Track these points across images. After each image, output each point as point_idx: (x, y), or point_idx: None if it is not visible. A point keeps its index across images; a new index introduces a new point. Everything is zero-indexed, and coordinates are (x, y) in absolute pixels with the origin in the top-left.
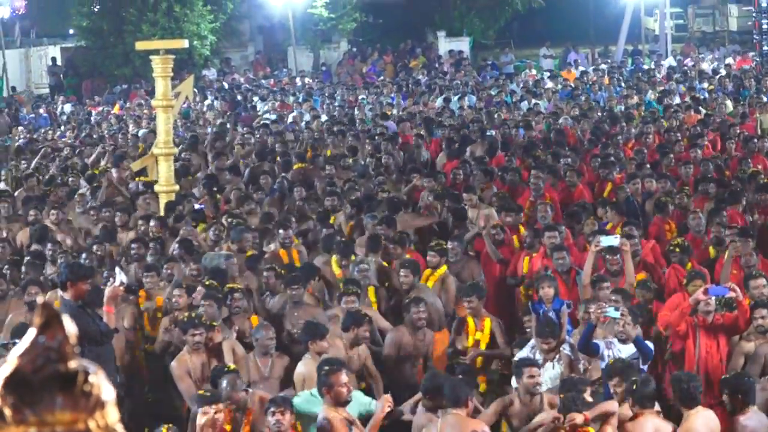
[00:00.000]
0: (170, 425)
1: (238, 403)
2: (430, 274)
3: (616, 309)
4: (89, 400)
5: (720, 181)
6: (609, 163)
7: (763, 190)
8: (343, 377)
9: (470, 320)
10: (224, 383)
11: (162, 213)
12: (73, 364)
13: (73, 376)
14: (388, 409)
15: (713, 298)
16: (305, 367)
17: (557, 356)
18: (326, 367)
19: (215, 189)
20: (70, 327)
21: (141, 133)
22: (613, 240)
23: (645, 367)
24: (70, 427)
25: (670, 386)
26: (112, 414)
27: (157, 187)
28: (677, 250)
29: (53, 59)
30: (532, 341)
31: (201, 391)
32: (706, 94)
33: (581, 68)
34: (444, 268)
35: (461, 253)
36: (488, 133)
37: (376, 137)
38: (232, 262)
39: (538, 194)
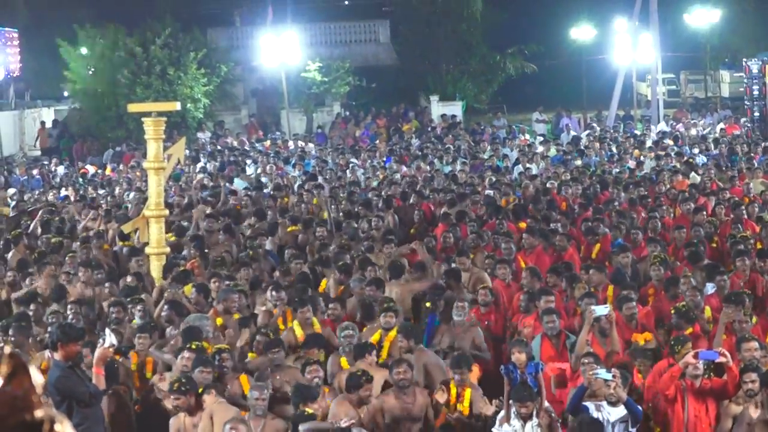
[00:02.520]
0: None
1: None
2: (382, 336)
3: (608, 371)
4: None
5: (692, 246)
6: (596, 226)
7: (762, 256)
8: None
9: (453, 388)
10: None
11: (156, 274)
12: (39, 413)
13: (39, 425)
14: None
15: (702, 362)
16: None
17: (536, 421)
18: None
19: (206, 250)
20: (37, 377)
21: (132, 195)
22: (604, 310)
23: (634, 430)
24: None
25: None
26: None
27: (148, 249)
28: (674, 312)
29: (54, 121)
30: (501, 413)
31: None
32: (698, 159)
33: (573, 133)
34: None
35: (466, 315)
36: (487, 193)
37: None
38: (207, 323)
39: (510, 259)
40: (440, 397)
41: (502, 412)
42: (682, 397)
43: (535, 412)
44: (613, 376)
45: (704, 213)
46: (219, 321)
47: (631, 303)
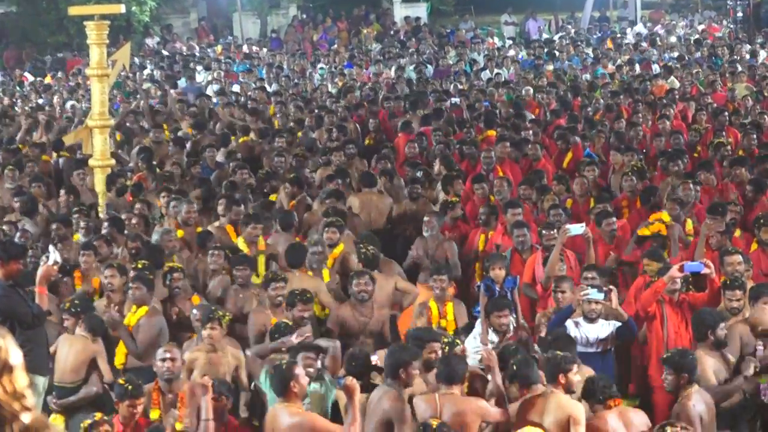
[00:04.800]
0: (102, 415)
1: None
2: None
3: (600, 290)
4: None
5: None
6: (567, 134)
7: (737, 164)
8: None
9: (433, 305)
10: None
11: (99, 187)
12: None
13: None
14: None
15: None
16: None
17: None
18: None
19: (154, 162)
20: None
21: (69, 104)
22: (579, 229)
23: (612, 348)
24: None
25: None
26: (20, 378)
27: (91, 161)
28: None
29: None
30: (476, 329)
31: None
32: (677, 63)
33: (545, 36)
34: (341, 247)
35: (437, 229)
36: (453, 101)
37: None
38: (169, 237)
39: (489, 168)
40: (419, 321)
41: (478, 327)
42: (661, 313)
43: (512, 327)
44: (608, 293)
45: (667, 121)
46: (180, 233)
47: (611, 218)
